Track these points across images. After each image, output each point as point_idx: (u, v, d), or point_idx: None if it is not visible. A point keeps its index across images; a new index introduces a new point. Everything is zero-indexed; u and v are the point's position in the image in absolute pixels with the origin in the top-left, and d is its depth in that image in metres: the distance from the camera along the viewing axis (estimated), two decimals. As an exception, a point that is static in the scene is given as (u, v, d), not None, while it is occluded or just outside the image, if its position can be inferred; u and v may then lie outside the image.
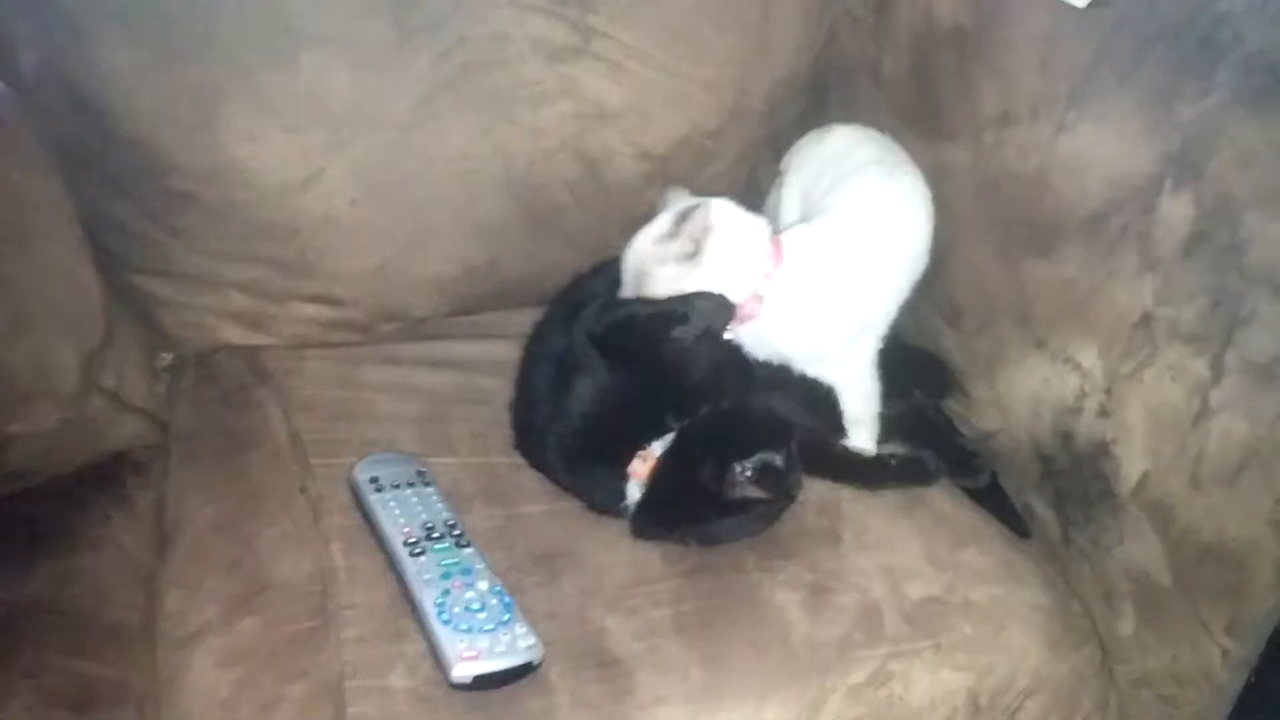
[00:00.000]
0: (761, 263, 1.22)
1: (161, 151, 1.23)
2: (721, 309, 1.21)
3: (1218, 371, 1.04)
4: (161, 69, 1.21)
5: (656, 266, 1.21)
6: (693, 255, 1.20)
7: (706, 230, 1.19)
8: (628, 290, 1.25)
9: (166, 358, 1.36)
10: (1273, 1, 1.09)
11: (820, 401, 1.29)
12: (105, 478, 1.19)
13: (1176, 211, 1.09)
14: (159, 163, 1.24)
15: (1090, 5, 1.20)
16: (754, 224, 1.25)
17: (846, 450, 1.30)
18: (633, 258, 1.24)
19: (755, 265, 1.22)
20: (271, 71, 1.25)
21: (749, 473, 1.09)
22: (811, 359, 1.27)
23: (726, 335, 1.24)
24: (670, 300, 1.20)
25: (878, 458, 1.30)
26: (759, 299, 1.22)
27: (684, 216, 1.20)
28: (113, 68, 1.19)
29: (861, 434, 1.31)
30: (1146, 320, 1.11)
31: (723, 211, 1.22)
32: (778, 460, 1.11)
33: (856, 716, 1.06)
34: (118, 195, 1.26)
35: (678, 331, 1.18)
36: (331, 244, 1.34)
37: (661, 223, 1.23)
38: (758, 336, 1.25)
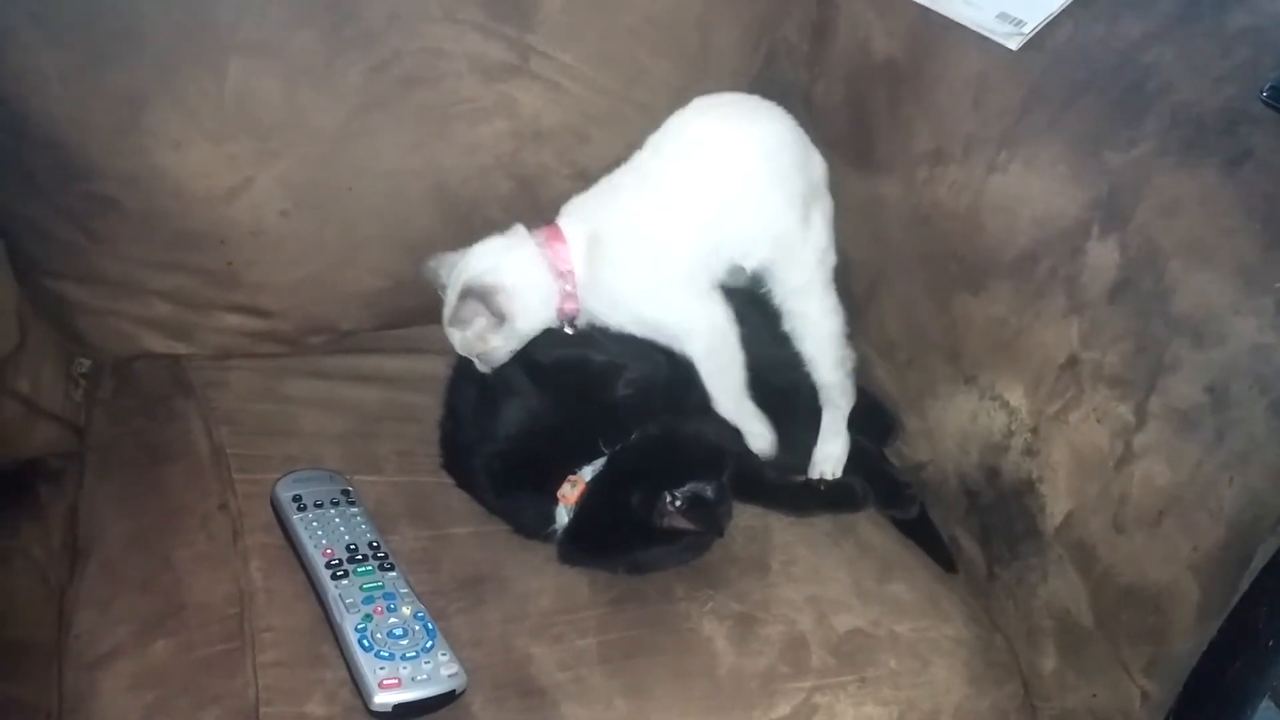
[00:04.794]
0: (546, 264, 1.20)
1: (81, 155, 1.21)
2: (658, 369, 1.21)
3: (1141, 416, 1.05)
4: (83, 71, 1.18)
5: (485, 345, 1.19)
6: (503, 319, 1.18)
7: (496, 294, 1.17)
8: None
9: (84, 363, 1.32)
10: (1201, 52, 1.12)
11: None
12: (17, 486, 1.16)
13: (1103, 257, 1.11)
14: (79, 166, 1.21)
15: (1022, 48, 1.23)
16: (515, 242, 1.22)
17: (776, 476, 1.30)
18: (464, 350, 1.21)
19: (547, 273, 1.20)
20: (198, 78, 1.22)
21: (679, 503, 1.09)
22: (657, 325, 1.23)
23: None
24: (620, 353, 1.21)
25: (806, 483, 1.31)
26: (570, 295, 1.21)
27: (466, 298, 1.17)
28: (31, 68, 1.16)
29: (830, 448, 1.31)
30: (1072, 362, 1.12)
31: (490, 264, 1.20)
32: (709, 491, 1.11)
33: (780, 751, 1.06)
34: (35, 197, 1.23)
35: (624, 383, 1.19)
36: (259, 255, 1.31)
37: (457, 327, 1.19)
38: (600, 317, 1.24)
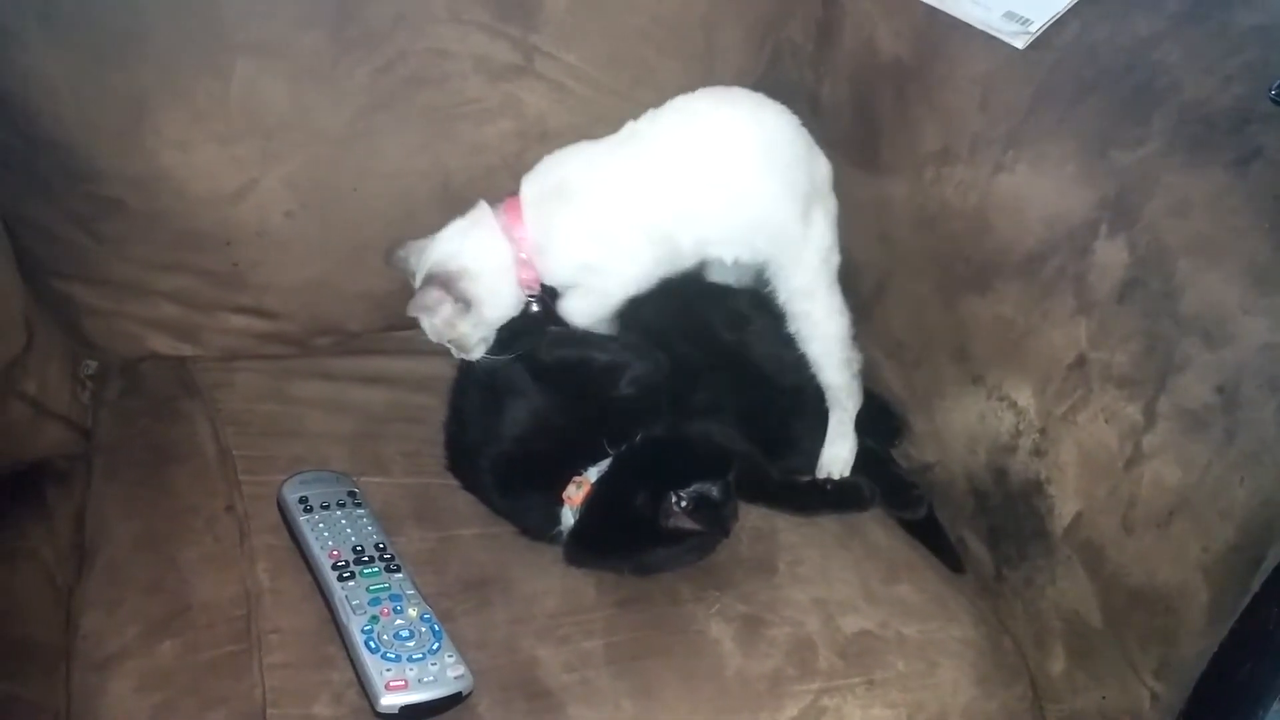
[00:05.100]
0: (506, 240, 1.21)
1: (87, 156, 1.21)
2: (659, 367, 1.22)
3: (1150, 417, 1.05)
4: (89, 72, 1.18)
5: (454, 332, 1.20)
6: (469, 305, 1.19)
7: (460, 279, 1.18)
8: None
9: (91, 365, 1.33)
10: (1209, 50, 1.12)
11: (758, 427, 1.29)
12: (24, 487, 1.16)
13: (1111, 256, 1.11)
14: (85, 168, 1.21)
15: (1029, 47, 1.23)
16: (476, 220, 1.23)
17: (782, 477, 1.30)
18: (434, 337, 1.22)
19: (508, 250, 1.21)
20: (204, 79, 1.22)
21: (684, 503, 1.09)
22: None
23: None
24: (621, 351, 1.21)
25: (813, 484, 1.31)
26: (529, 265, 1.22)
27: (428, 284, 1.18)
28: (37, 70, 1.17)
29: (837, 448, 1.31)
30: (1081, 362, 1.12)
31: (454, 248, 1.21)
32: (714, 492, 1.11)
33: (787, 752, 1.06)
34: (41, 199, 1.24)
35: (626, 381, 1.19)
36: (264, 256, 1.32)
37: (422, 314, 1.20)
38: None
